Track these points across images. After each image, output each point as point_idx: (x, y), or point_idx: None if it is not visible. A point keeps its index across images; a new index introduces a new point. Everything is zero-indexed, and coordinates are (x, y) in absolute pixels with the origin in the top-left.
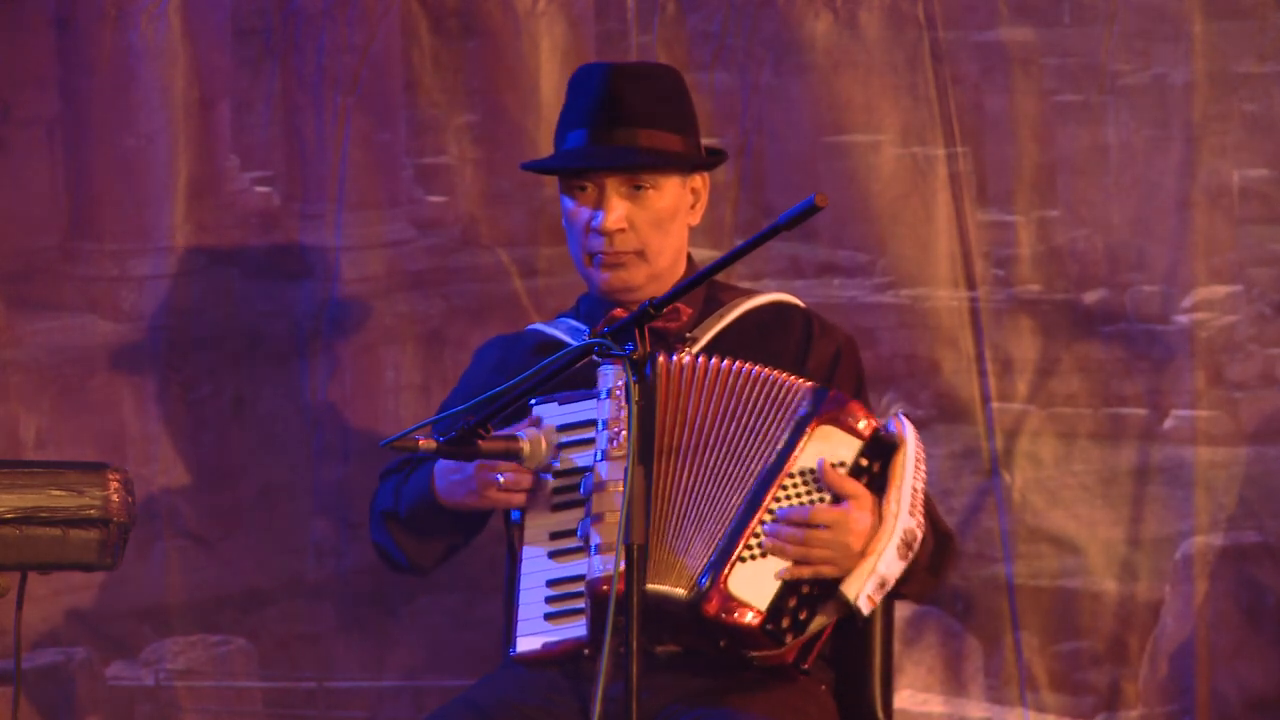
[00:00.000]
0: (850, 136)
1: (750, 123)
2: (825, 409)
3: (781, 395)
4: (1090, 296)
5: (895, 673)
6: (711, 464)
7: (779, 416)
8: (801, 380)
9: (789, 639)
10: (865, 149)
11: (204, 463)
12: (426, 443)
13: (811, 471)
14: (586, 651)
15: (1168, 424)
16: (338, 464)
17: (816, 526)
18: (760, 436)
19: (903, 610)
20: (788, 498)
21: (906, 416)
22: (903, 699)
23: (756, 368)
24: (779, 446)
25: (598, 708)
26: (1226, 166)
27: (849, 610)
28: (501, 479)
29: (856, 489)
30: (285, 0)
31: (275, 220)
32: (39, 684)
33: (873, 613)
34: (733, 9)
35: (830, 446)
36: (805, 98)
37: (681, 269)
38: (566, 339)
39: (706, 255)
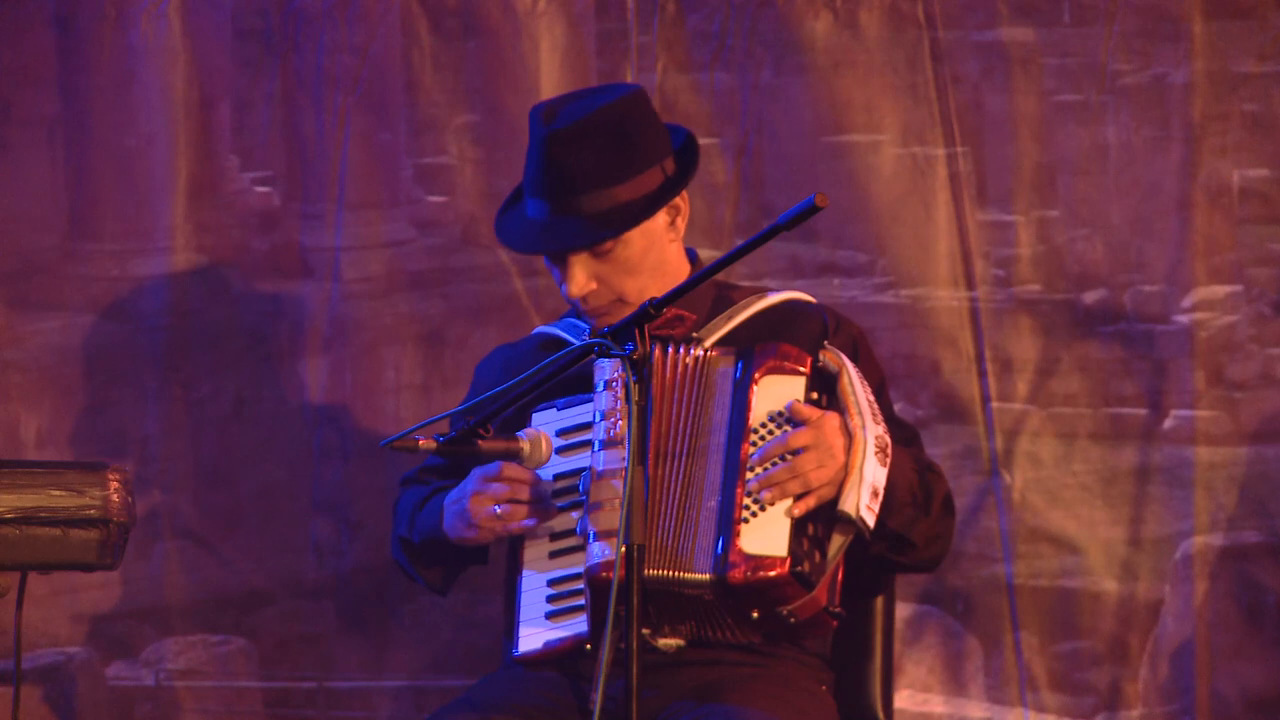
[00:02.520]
0: (850, 136)
1: (750, 123)
2: (761, 361)
3: (715, 366)
4: (1090, 296)
5: (895, 673)
6: (683, 451)
7: (721, 386)
8: (726, 348)
9: (816, 578)
10: (865, 149)
11: (204, 463)
12: (426, 442)
13: (772, 419)
14: (588, 647)
15: (1168, 424)
16: (338, 464)
17: (797, 451)
18: (714, 409)
19: (903, 610)
20: (758, 454)
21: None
22: (903, 699)
23: (683, 350)
24: (732, 411)
25: (599, 698)
26: (1226, 166)
27: (854, 527)
28: (498, 510)
29: (820, 413)
30: (285, 0)
31: (275, 220)
32: (39, 684)
33: (873, 612)
34: (733, 9)
35: (778, 392)
36: (805, 98)
37: (684, 272)
38: (568, 337)
39: (706, 255)
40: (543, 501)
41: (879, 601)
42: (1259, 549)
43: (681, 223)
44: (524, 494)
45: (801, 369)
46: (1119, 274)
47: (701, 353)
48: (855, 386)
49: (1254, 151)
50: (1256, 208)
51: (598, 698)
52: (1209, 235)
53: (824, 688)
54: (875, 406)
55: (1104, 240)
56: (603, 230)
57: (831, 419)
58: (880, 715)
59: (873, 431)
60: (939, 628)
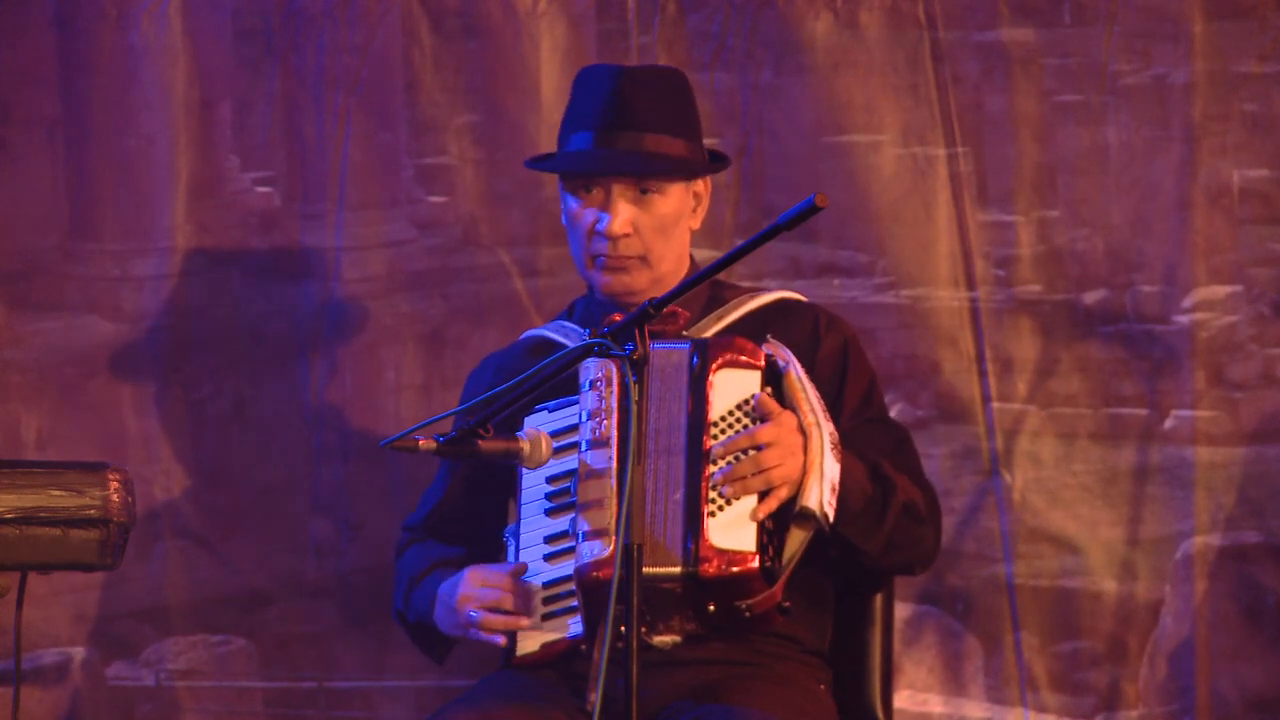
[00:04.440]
0: (850, 136)
1: (750, 123)
2: (716, 354)
3: (668, 359)
4: (1090, 296)
5: (895, 672)
6: (649, 445)
7: (677, 378)
8: (678, 339)
9: (779, 573)
10: (865, 149)
11: (204, 463)
12: (426, 442)
13: (731, 412)
14: (584, 647)
15: (1168, 424)
16: (338, 464)
17: (761, 447)
18: (671, 402)
19: (903, 610)
20: (721, 445)
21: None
22: (902, 699)
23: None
24: (691, 404)
25: (597, 698)
26: (1226, 166)
27: (816, 523)
28: (475, 615)
29: (780, 409)
30: (286, 0)
31: (276, 220)
32: (39, 684)
33: (873, 612)
34: (733, 9)
35: (735, 385)
36: (805, 98)
37: (684, 272)
38: (561, 339)
39: (706, 255)
40: (528, 611)
41: (879, 601)
42: (1258, 549)
43: (701, 212)
44: (508, 603)
45: (756, 363)
46: (1119, 274)
47: (653, 345)
48: (803, 381)
49: (1254, 151)
50: (1256, 208)
51: (595, 698)
52: (1209, 235)
53: (823, 687)
54: (822, 402)
55: (1104, 240)
56: (660, 166)
57: (791, 417)
58: (880, 715)
59: (826, 428)
60: (939, 628)
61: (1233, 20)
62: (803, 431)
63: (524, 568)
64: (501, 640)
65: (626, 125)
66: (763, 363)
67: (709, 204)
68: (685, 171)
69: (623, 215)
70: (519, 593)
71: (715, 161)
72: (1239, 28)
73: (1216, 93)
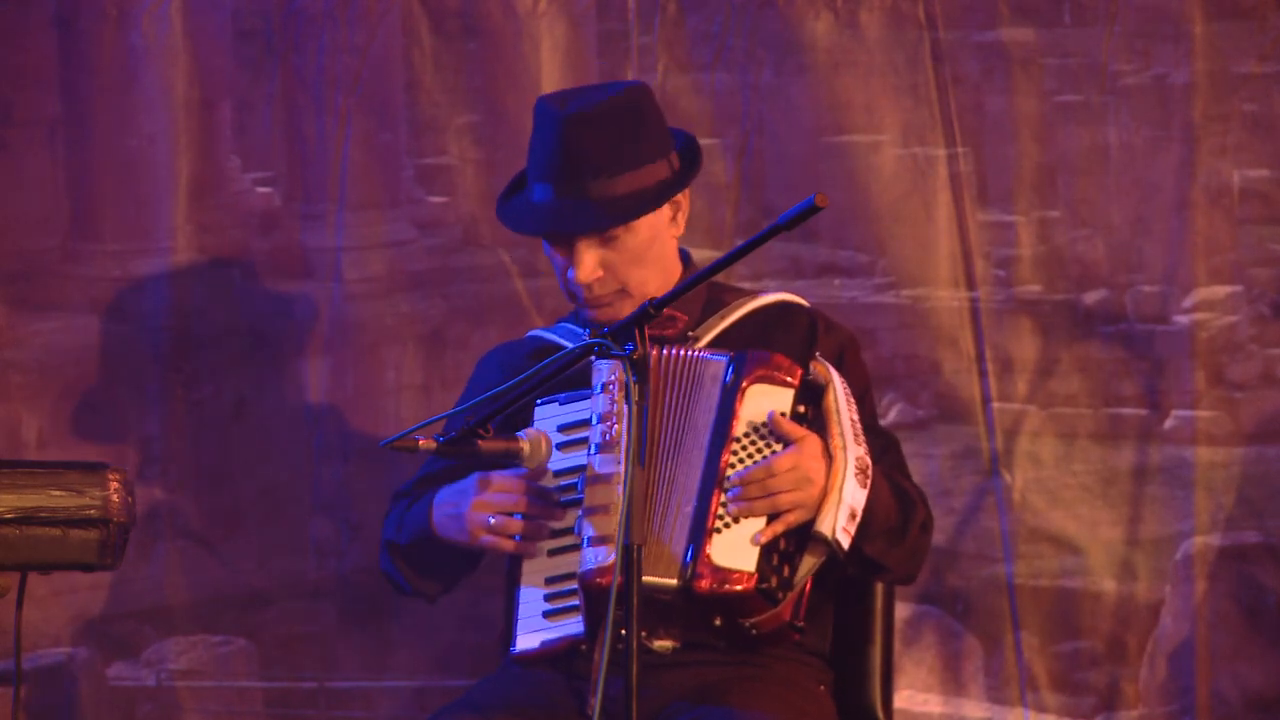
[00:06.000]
0: (850, 136)
1: (750, 123)
2: (751, 368)
3: (705, 368)
4: (1090, 296)
5: (895, 672)
6: (665, 452)
7: (710, 389)
8: (718, 350)
9: (782, 595)
10: (865, 149)
11: (205, 463)
12: (426, 442)
13: (756, 429)
14: (584, 647)
15: (1168, 424)
16: (338, 464)
17: (775, 474)
18: (699, 412)
19: (903, 610)
20: (739, 461)
21: (827, 366)
22: (902, 699)
23: (676, 349)
24: (717, 416)
25: (596, 702)
26: (1226, 166)
27: (829, 548)
28: (492, 520)
29: (804, 433)
30: (286, 0)
31: (276, 221)
32: (40, 684)
33: (873, 612)
34: (733, 9)
35: (766, 402)
36: (805, 98)
37: (678, 274)
38: (565, 343)
39: (707, 255)
40: (542, 515)
41: (879, 602)
42: (1259, 549)
43: (682, 219)
44: (523, 506)
45: (791, 381)
46: (1119, 274)
47: (692, 353)
48: (840, 403)
49: (1254, 151)
50: (1256, 208)
51: (595, 702)
52: (1209, 235)
53: (823, 688)
54: (858, 425)
55: (1104, 240)
56: (615, 214)
57: (813, 442)
58: (880, 715)
59: (854, 453)
60: (939, 628)
61: (1233, 20)
62: (828, 455)
63: (528, 473)
64: (511, 546)
65: (579, 174)
66: (797, 381)
67: (709, 202)
68: (647, 205)
69: (587, 265)
70: (534, 496)
71: (685, 164)
72: (1239, 28)
73: (1216, 93)
